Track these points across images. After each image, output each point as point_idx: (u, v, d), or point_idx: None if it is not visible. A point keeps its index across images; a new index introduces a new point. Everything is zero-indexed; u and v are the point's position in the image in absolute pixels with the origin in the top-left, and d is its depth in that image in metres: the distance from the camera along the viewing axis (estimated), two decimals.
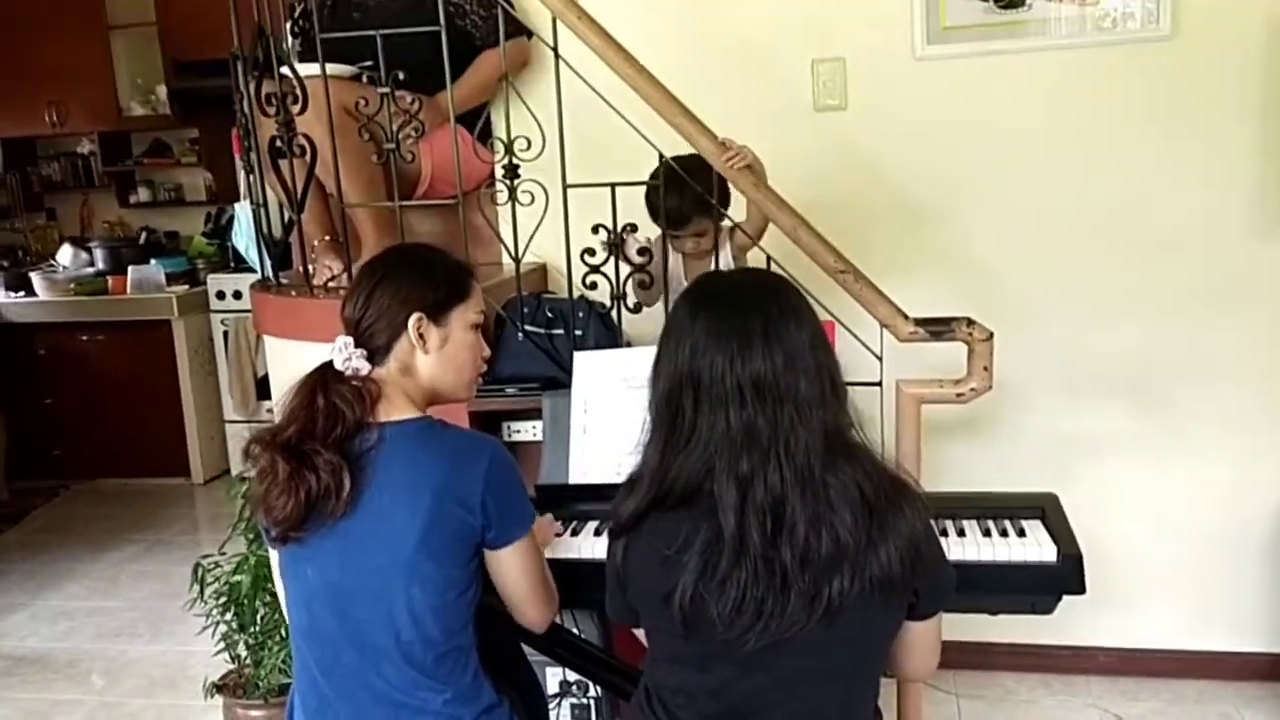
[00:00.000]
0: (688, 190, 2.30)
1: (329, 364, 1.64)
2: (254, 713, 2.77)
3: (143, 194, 6.03)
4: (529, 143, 2.29)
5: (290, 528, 1.56)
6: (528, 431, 2.39)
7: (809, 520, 1.26)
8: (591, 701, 2.46)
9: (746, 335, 1.30)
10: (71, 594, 4.14)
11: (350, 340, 1.65)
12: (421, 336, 1.66)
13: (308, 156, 2.34)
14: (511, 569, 1.64)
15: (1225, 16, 2.66)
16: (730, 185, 2.32)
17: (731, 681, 1.35)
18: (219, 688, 2.86)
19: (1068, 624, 2.93)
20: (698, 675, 1.37)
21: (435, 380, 1.70)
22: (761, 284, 1.43)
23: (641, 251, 2.32)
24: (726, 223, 2.44)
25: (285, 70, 2.31)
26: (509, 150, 2.31)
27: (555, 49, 2.24)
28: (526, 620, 1.70)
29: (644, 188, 2.36)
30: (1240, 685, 2.94)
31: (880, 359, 2.16)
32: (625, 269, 2.32)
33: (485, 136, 2.60)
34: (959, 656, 2.93)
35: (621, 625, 1.54)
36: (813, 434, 1.29)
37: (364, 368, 1.64)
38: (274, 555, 1.77)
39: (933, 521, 1.38)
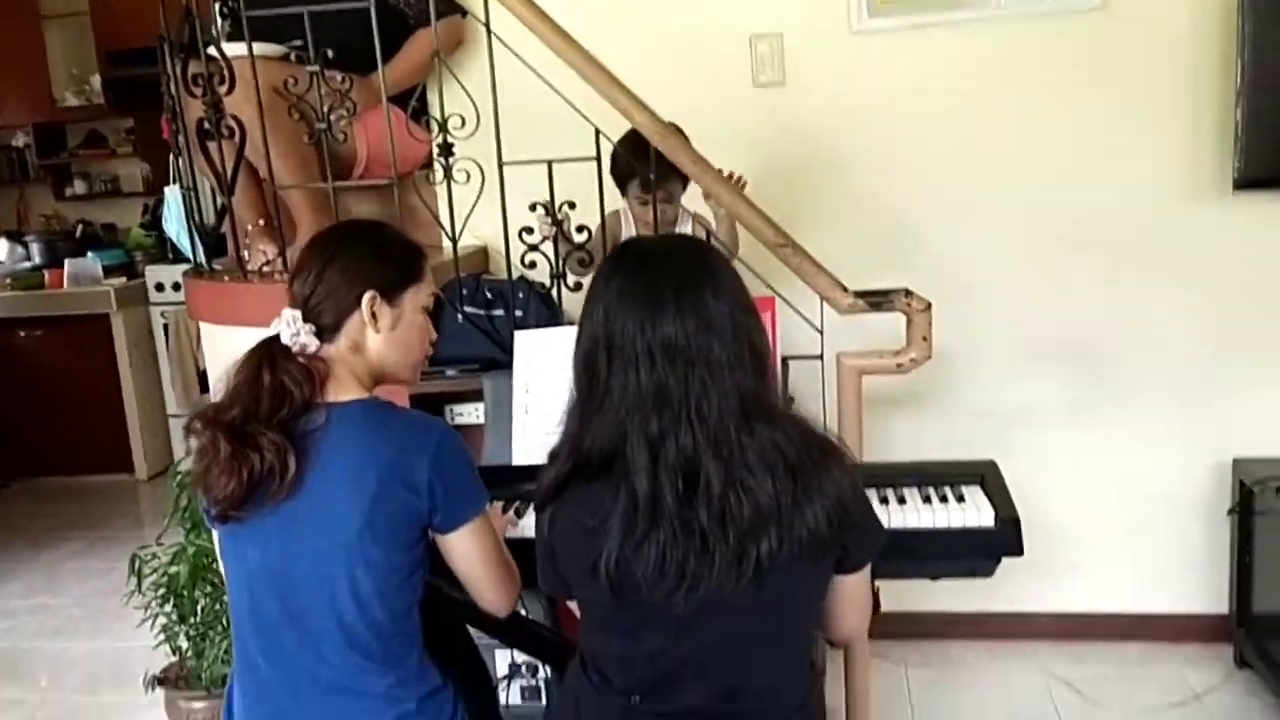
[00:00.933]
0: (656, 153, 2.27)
1: (274, 339, 1.59)
2: (196, 704, 2.73)
3: (79, 186, 5.92)
4: (463, 121, 2.25)
5: (230, 507, 1.52)
6: (470, 414, 2.36)
7: (724, 481, 1.25)
8: (541, 683, 2.45)
9: (659, 299, 1.29)
10: (12, 592, 4.07)
11: (299, 315, 1.59)
12: (374, 316, 1.63)
13: (236, 138, 2.29)
14: (463, 553, 1.61)
15: None
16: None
17: (663, 647, 1.34)
18: (160, 681, 2.81)
19: (1013, 590, 2.98)
20: (629, 642, 1.36)
21: (384, 360, 1.66)
22: (681, 248, 1.42)
23: (580, 229, 2.30)
24: (686, 202, 2.43)
25: (211, 50, 2.26)
26: (443, 128, 2.27)
27: (488, 25, 2.22)
28: (486, 604, 1.66)
29: (592, 159, 2.33)
30: (1185, 647, 2.98)
31: (821, 332, 2.17)
32: (565, 247, 2.31)
33: (420, 115, 2.56)
34: (905, 627, 2.96)
35: (558, 597, 1.52)
36: (726, 396, 1.28)
37: (312, 344, 1.60)
38: (216, 535, 1.73)
39: (872, 489, 1.38)
